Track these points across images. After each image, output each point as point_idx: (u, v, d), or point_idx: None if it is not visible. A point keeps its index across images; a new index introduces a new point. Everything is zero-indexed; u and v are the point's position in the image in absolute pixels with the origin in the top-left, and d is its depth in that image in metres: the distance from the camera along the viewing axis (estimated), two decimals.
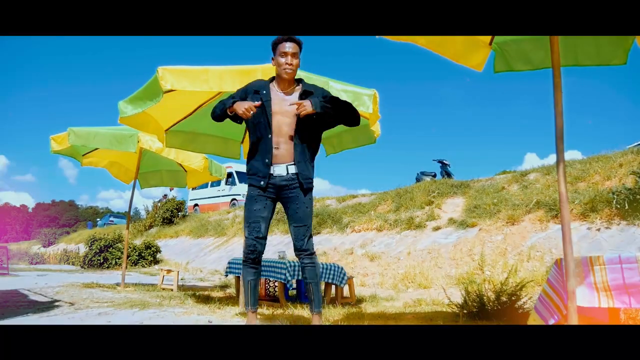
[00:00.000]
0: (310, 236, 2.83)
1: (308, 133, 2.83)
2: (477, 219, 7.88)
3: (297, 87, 2.90)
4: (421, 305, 4.92)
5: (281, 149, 2.79)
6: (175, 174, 7.20)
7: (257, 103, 2.72)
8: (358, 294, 5.75)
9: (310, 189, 2.85)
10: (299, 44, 2.85)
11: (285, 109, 2.80)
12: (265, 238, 2.84)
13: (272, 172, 2.79)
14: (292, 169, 2.79)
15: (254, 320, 2.87)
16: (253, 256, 2.81)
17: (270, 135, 2.78)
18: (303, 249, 2.80)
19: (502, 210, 7.67)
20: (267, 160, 2.78)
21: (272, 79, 2.93)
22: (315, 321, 2.84)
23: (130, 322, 3.38)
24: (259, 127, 2.81)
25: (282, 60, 2.79)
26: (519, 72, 3.07)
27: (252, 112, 2.68)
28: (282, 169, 2.78)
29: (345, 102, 2.91)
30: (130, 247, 12.39)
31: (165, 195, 19.95)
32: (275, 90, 2.86)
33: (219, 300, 4.76)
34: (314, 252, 2.85)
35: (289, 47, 2.79)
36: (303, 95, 2.81)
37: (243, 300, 4.14)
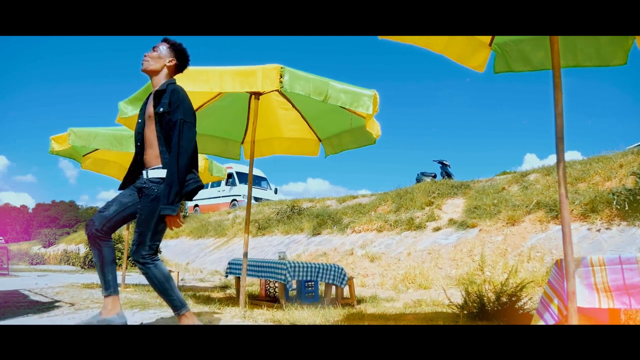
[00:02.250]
0: (142, 244, 2.63)
1: (168, 135, 2.69)
2: (477, 219, 7.88)
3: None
4: (421, 305, 4.91)
5: (145, 152, 2.78)
6: None
7: (181, 224, 2.71)
8: (358, 294, 5.75)
9: (153, 194, 2.65)
10: (167, 42, 2.79)
11: (147, 114, 2.76)
12: (110, 220, 2.70)
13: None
14: (149, 174, 2.71)
15: (109, 306, 2.71)
16: (89, 230, 2.69)
17: (138, 139, 2.81)
18: (132, 256, 2.68)
19: (502, 211, 7.67)
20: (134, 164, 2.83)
21: None
22: (184, 322, 2.68)
23: (130, 323, 3.38)
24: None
25: None
26: (519, 72, 3.08)
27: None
28: (143, 173, 2.77)
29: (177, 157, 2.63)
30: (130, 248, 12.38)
31: None
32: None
33: (219, 301, 4.75)
34: (146, 262, 2.64)
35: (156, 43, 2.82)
36: (156, 95, 2.71)
37: (243, 300, 4.15)
